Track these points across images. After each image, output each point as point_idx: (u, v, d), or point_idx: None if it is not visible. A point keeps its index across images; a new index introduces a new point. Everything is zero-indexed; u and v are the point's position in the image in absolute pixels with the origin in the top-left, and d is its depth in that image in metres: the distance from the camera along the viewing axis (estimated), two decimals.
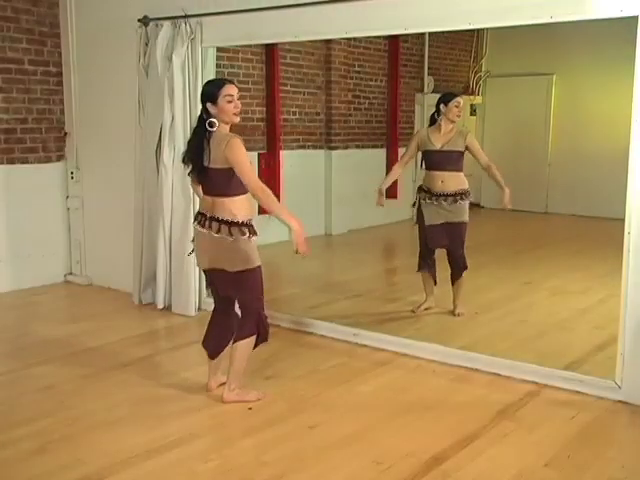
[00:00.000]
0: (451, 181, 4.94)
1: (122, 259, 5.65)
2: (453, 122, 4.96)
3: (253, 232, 3.48)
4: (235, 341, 3.55)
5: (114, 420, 3.46)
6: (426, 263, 5.14)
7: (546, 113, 10.39)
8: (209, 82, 3.72)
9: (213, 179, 3.43)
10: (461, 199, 4.95)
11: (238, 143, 3.35)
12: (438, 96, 5.17)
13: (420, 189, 5.09)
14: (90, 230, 6.14)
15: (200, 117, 3.49)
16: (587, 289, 5.93)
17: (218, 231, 3.41)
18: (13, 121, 5.83)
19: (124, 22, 5.31)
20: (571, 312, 5.31)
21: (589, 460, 3.06)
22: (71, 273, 6.30)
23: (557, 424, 3.41)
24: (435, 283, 5.19)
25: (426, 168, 5.05)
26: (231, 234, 3.41)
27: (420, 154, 5.14)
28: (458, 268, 5.08)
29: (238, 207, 3.43)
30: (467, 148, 4.97)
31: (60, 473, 2.95)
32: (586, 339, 4.64)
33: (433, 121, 5.07)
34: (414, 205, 5.16)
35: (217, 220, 3.43)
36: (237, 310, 3.62)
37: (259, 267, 3.50)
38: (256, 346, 3.59)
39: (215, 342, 3.70)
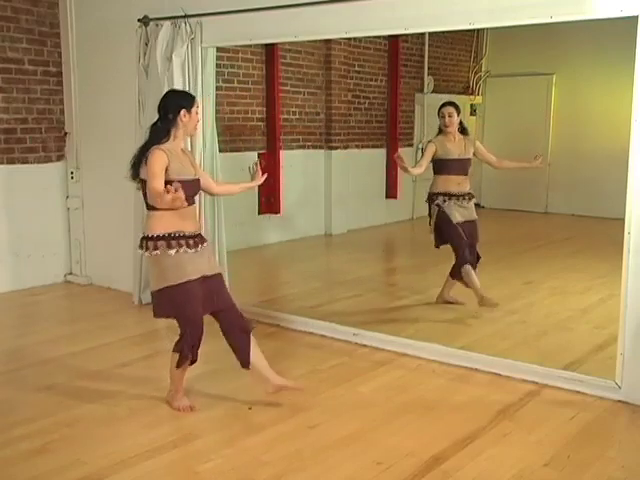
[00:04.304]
0: (465, 183, 5.18)
1: (122, 259, 5.65)
2: (448, 129, 5.14)
3: (186, 244, 3.34)
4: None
5: (114, 420, 3.46)
6: (468, 254, 5.13)
7: (546, 113, 10.38)
8: (178, 91, 3.77)
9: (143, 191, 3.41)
10: (473, 198, 5.24)
11: (156, 154, 3.28)
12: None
13: (436, 194, 5.14)
14: (90, 230, 6.14)
15: (162, 125, 3.40)
16: (587, 289, 5.94)
17: (145, 248, 3.37)
18: (13, 121, 5.83)
19: (124, 22, 5.31)
20: (571, 312, 5.31)
21: (589, 460, 3.06)
22: (71, 273, 6.30)
23: (557, 424, 3.41)
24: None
25: (443, 173, 5.14)
26: (155, 248, 3.32)
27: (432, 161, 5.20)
28: (476, 260, 5.19)
29: (156, 221, 3.34)
30: (475, 154, 5.23)
31: (60, 473, 2.94)
32: (586, 339, 4.64)
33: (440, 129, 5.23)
34: (431, 214, 5.16)
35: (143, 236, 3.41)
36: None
37: (174, 286, 3.33)
38: (183, 363, 3.48)
39: (240, 353, 3.53)
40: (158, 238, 3.33)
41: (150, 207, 3.36)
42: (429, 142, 5.24)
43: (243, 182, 4.03)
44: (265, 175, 3.87)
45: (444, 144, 5.12)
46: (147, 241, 3.36)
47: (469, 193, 5.19)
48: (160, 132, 3.39)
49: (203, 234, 3.60)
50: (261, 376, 3.55)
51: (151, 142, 3.38)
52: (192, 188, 3.47)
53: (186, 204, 3.24)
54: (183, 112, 3.38)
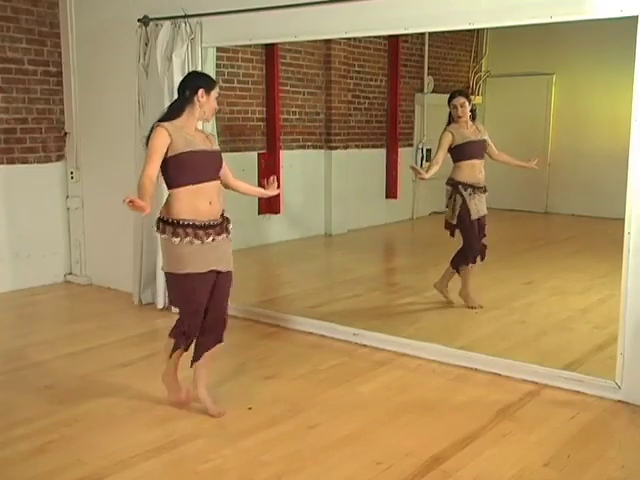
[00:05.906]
0: (483, 171, 5.21)
1: (122, 259, 5.65)
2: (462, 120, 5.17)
3: (194, 235, 3.24)
4: None
5: (114, 420, 3.46)
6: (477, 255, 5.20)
7: (546, 113, 10.38)
8: (200, 73, 3.74)
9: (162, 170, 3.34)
10: (486, 192, 5.24)
11: (156, 131, 3.23)
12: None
13: (460, 184, 5.12)
14: (90, 230, 6.14)
15: (177, 103, 3.36)
16: (587, 289, 5.94)
17: (157, 228, 3.30)
18: (13, 121, 5.82)
19: (124, 22, 5.31)
20: (571, 312, 5.31)
21: (589, 460, 3.06)
22: (71, 273, 6.30)
23: (557, 424, 3.41)
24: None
25: (465, 159, 5.13)
26: (163, 232, 3.27)
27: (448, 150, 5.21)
28: (483, 257, 5.25)
29: (172, 203, 3.26)
30: None
31: (60, 473, 2.95)
32: (586, 339, 4.64)
33: (451, 119, 5.25)
34: (454, 202, 5.14)
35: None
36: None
37: (177, 274, 3.30)
38: (175, 350, 3.48)
39: (198, 350, 3.52)
40: (167, 223, 3.26)
41: (169, 186, 3.28)
42: (444, 132, 5.18)
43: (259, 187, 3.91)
44: (278, 190, 3.79)
45: (460, 130, 5.14)
46: (159, 223, 3.31)
47: (484, 186, 5.21)
48: (174, 109, 3.35)
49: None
50: (195, 380, 3.52)
51: (163, 118, 3.32)
52: (208, 159, 3.35)
53: (148, 210, 3.05)
54: (201, 92, 3.30)
